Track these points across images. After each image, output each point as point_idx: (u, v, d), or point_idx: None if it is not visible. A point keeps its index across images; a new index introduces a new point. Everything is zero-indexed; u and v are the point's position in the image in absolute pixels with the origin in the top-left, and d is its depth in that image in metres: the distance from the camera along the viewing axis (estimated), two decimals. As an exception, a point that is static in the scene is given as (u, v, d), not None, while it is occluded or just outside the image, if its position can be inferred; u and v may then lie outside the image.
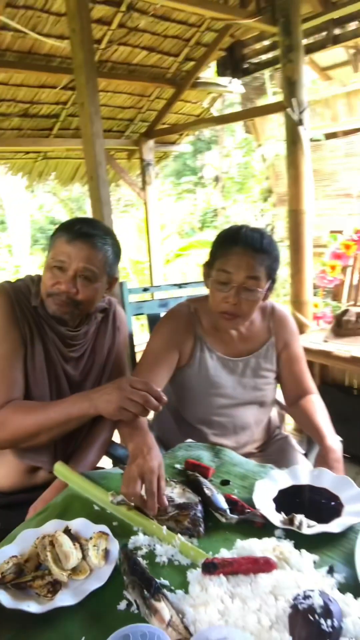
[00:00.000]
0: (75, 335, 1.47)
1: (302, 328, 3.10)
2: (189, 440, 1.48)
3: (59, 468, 1.29)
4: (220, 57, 3.96)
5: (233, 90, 4.45)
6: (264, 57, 3.88)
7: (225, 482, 1.25)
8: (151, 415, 1.76)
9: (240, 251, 1.45)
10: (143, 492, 1.09)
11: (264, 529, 1.05)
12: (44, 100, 3.79)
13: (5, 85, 3.48)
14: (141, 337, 2.23)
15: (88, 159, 2.33)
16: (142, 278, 6.98)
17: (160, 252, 5.08)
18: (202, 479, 1.20)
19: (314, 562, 0.95)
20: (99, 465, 1.51)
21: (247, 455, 1.65)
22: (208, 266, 1.55)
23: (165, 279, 5.50)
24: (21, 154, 4.20)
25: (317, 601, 0.79)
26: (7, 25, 2.87)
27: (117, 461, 1.64)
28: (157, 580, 0.90)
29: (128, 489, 1.09)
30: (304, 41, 3.02)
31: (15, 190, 8.17)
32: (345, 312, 2.92)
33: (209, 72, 4.32)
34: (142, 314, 2.09)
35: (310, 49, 3.46)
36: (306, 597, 0.80)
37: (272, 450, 1.70)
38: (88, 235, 1.36)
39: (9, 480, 1.44)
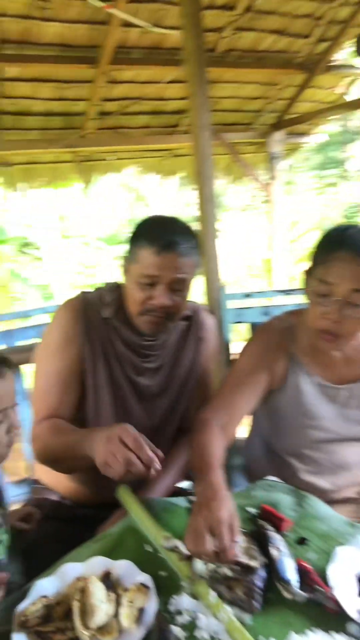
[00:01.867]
0: (152, 345, 1.36)
1: None
2: (271, 478, 1.28)
3: (122, 492, 1.19)
4: (358, 35, 3.54)
5: (373, 73, 3.98)
6: None
7: (301, 541, 1.04)
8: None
9: (345, 257, 1.20)
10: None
11: (337, 616, 0.84)
12: (169, 96, 3.74)
13: (132, 83, 3.49)
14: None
15: (195, 154, 2.20)
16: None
17: (289, 251, 4.79)
18: (272, 534, 1.01)
19: None
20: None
21: (345, 500, 1.40)
22: (308, 274, 1.33)
23: (292, 280, 5.18)
24: (149, 152, 4.20)
25: None
26: (128, 21, 2.84)
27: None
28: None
29: (197, 547, 0.92)
30: None
31: (154, 188, 8.31)
32: None
33: (344, 54, 3.91)
34: (242, 322, 1.92)
35: None
36: None
37: (378, 498, 1.42)
38: (176, 243, 1.23)
39: (84, 491, 1.38)
